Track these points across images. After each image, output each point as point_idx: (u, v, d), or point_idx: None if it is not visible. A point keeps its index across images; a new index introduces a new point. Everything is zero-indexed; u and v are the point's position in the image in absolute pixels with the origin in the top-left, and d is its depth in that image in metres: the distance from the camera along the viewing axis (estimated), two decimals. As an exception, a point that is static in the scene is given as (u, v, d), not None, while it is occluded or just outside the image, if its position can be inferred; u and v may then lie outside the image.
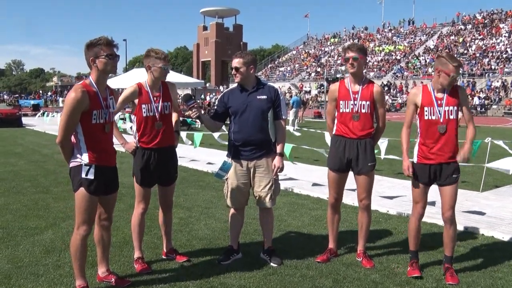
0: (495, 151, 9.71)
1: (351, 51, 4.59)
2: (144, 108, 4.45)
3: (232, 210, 4.85)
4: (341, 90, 4.74)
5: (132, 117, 4.62)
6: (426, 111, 4.37)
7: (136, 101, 4.47)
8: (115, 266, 4.54)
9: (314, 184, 8.68)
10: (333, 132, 4.86)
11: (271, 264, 4.66)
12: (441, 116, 4.30)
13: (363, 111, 4.63)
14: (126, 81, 21.01)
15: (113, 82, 21.25)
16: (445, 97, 4.33)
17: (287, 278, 4.35)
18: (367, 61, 56.27)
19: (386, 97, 47.15)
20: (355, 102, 4.64)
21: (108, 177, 3.89)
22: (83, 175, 3.73)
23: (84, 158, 3.74)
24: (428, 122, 4.36)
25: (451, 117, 4.30)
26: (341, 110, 4.71)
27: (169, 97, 4.58)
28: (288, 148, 9.31)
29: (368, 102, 4.63)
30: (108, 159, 3.89)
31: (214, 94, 47.71)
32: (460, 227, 5.79)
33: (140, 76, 16.76)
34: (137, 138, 4.54)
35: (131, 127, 4.65)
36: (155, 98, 4.48)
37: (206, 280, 4.27)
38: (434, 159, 4.36)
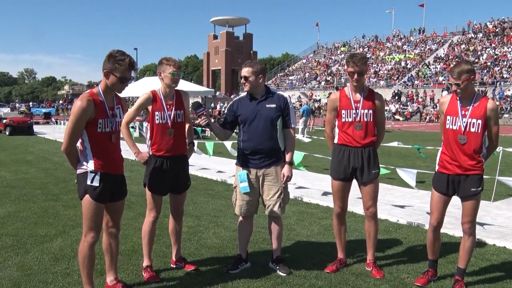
0: (507, 160, 9.61)
1: (356, 66, 4.51)
2: (157, 115, 4.47)
3: (240, 219, 4.84)
4: (342, 99, 4.71)
5: (145, 124, 4.64)
6: (448, 120, 4.29)
7: (150, 108, 4.50)
8: (123, 274, 4.54)
9: (324, 193, 8.63)
10: (335, 141, 4.84)
11: (280, 273, 4.63)
12: (463, 127, 4.19)
13: (365, 119, 4.62)
14: (137, 89, 21.09)
15: (124, 90, 21.33)
16: (470, 108, 4.20)
17: (295, 288, 4.32)
18: (377, 70, 56.70)
19: (396, 106, 47.06)
20: (357, 111, 4.62)
21: (115, 184, 3.90)
22: (88, 182, 3.75)
23: (90, 165, 3.76)
24: (448, 131, 4.29)
25: (473, 129, 4.16)
26: (343, 120, 4.68)
27: (182, 105, 4.61)
28: (299, 156, 9.28)
29: (370, 111, 4.62)
30: (115, 167, 3.90)
31: (223, 104, 47.70)
32: (471, 237, 5.74)
33: (151, 84, 16.87)
34: (149, 145, 4.56)
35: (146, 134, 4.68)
36: (168, 106, 4.51)
37: (214, 289, 4.26)
38: (452, 170, 4.29)
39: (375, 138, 4.72)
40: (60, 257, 5.02)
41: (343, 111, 4.68)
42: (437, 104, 44.74)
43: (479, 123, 4.13)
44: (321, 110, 47.58)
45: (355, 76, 4.55)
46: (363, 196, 4.78)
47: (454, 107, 4.26)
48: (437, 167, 4.45)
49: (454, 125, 4.22)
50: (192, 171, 9.91)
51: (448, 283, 4.43)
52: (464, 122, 4.17)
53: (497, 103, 40.92)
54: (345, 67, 4.89)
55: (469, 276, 4.58)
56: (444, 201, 4.39)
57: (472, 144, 4.17)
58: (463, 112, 4.19)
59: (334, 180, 4.82)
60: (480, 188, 4.23)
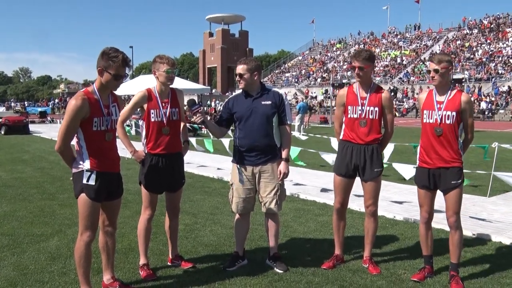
0: (503, 156, 9.63)
1: (357, 61, 4.56)
2: (152, 113, 4.46)
3: (237, 216, 4.83)
4: (349, 95, 4.72)
5: (141, 122, 4.63)
6: (425, 114, 4.42)
7: (145, 106, 4.49)
8: (120, 273, 4.53)
9: (321, 190, 8.65)
10: (340, 137, 4.84)
11: (277, 270, 4.64)
12: (439, 119, 4.33)
13: (370, 117, 4.61)
14: (132, 87, 21.10)
15: (119, 89, 21.27)
16: (445, 101, 4.34)
17: (292, 285, 4.33)
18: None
19: (392, 102, 47.08)
20: (363, 108, 4.62)
21: (111, 183, 3.88)
22: (84, 181, 3.73)
23: (86, 164, 3.75)
24: (425, 125, 4.42)
25: (448, 121, 4.30)
26: (349, 116, 4.70)
27: (177, 103, 4.61)
28: (295, 151, 9.28)
29: (376, 108, 4.61)
30: (111, 166, 3.89)
31: (219, 101, 47.52)
32: (467, 233, 5.76)
33: (146, 82, 16.84)
34: (145, 143, 4.55)
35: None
36: (163, 104, 4.50)
37: (211, 287, 4.26)
38: (432, 164, 4.38)
39: (380, 136, 4.71)
40: (57, 256, 5.01)
41: (349, 107, 4.69)
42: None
43: (453, 115, 4.29)
44: (319, 107, 47.77)
45: (356, 71, 4.58)
46: (364, 193, 4.79)
47: (430, 101, 4.43)
48: (418, 162, 4.56)
49: (431, 118, 4.38)
50: (188, 168, 9.91)
51: (445, 278, 4.45)
52: (440, 114, 4.32)
53: (493, 98, 41.07)
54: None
55: (466, 272, 4.60)
56: (429, 195, 4.49)
57: (448, 136, 4.31)
58: (438, 106, 4.36)
59: (336, 176, 4.83)
60: (460, 181, 4.33)
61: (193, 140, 12.26)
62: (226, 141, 11.32)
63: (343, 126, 4.80)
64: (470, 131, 4.42)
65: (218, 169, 11.25)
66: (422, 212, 4.57)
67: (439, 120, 4.32)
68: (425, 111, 4.42)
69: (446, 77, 4.36)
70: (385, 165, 4.92)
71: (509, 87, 42.29)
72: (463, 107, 4.30)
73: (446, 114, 4.30)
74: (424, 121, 4.44)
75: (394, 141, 8.90)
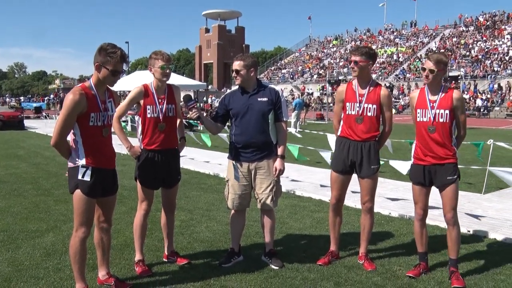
0: (498, 153, 9.64)
1: (353, 55, 4.58)
2: (148, 109, 4.45)
3: (233, 212, 4.83)
4: (348, 91, 4.72)
5: (137, 118, 4.61)
6: (418, 113, 4.44)
7: (142, 102, 4.48)
8: (115, 269, 4.52)
9: (316, 186, 8.65)
10: (338, 134, 4.84)
11: (272, 266, 4.64)
12: (432, 118, 4.35)
13: (368, 114, 4.61)
14: (128, 83, 21.02)
15: (115, 84, 21.20)
16: (438, 99, 4.37)
17: (288, 281, 4.33)
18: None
19: (388, 99, 47.09)
20: (361, 104, 4.62)
21: (106, 179, 3.87)
22: (79, 177, 3.72)
23: (81, 160, 3.73)
24: (419, 123, 4.44)
25: (441, 120, 4.33)
26: (347, 112, 4.70)
27: (174, 99, 4.59)
28: (295, 149, 9.30)
29: (374, 106, 4.61)
30: (107, 162, 3.88)
31: (215, 97, 47.45)
32: (462, 229, 5.76)
33: (143, 78, 16.79)
34: (140, 139, 4.54)
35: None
36: (159, 100, 4.49)
37: (207, 283, 4.25)
38: (427, 161, 4.41)
39: (377, 133, 4.71)
40: (52, 252, 5.00)
41: (347, 104, 4.69)
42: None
43: (447, 113, 4.34)
44: (316, 103, 47.80)
45: (351, 64, 4.61)
46: (361, 190, 4.79)
47: (423, 100, 4.45)
48: (412, 159, 4.59)
49: (424, 117, 4.41)
50: (184, 165, 9.91)
51: (440, 275, 4.47)
52: (433, 113, 4.36)
53: (489, 96, 41.19)
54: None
55: (460, 268, 4.60)
56: (424, 191, 4.52)
57: (441, 133, 4.35)
58: (431, 104, 4.39)
59: (333, 172, 4.83)
60: (455, 176, 4.36)
61: (190, 134, 12.24)
62: (224, 136, 11.30)
63: (341, 122, 4.80)
64: (462, 127, 4.48)
65: (218, 164, 11.25)
66: (417, 209, 4.59)
67: (432, 119, 4.36)
68: (418, 110, 4.45)
69: (440, 78, 4.40)
70: (381, 162, 4.92)
71: (498, 84, 42.42)
72: (455, 104, 4.35)
73: (439, 112, 4.35)
74: (418, 119, 4.46)
75: (390, 137, 8.92)
